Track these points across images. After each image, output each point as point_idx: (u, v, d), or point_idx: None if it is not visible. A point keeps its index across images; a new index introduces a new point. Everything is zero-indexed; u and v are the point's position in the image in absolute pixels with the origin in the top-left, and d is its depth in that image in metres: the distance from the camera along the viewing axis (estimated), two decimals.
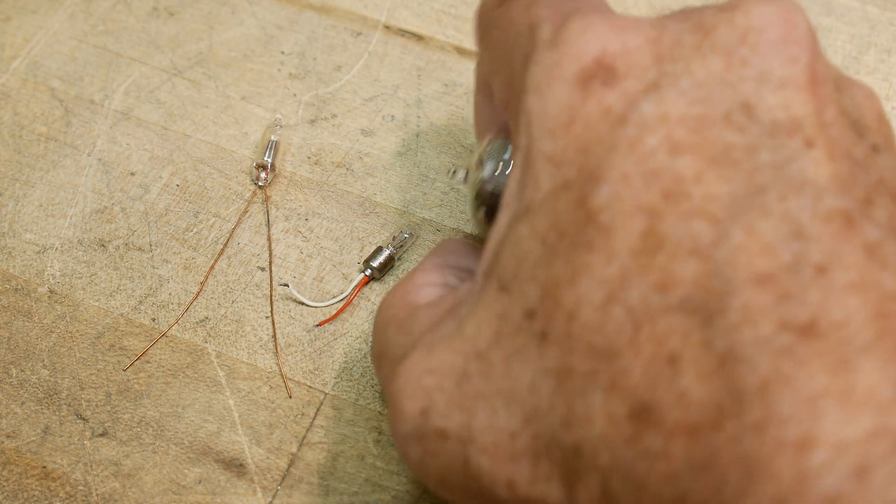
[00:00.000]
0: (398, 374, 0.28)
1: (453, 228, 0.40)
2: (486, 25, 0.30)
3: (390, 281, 0.39)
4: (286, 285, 0.39)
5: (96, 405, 0.36)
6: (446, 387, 0.26)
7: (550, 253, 0.25)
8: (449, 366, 0.27)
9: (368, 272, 0.39)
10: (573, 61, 0.25)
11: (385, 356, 0.31)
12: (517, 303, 0.25)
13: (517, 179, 0.27)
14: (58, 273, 0.39)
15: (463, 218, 0.41)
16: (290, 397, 0.36)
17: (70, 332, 0.38)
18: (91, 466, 0.35)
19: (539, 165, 0.26)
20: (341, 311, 0.38)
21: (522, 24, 0.27)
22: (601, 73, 0.25)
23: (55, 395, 0.36)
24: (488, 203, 0.36)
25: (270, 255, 0.40)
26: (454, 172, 0.38)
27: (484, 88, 0.33)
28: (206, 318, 0.38)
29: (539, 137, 0.26)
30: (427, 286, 0.31)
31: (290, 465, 0.35)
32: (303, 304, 0.38)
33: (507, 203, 0.28)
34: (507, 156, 0.36)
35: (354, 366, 0.37)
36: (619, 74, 0.25)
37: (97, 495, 0.34)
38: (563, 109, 0.25)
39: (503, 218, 0.28)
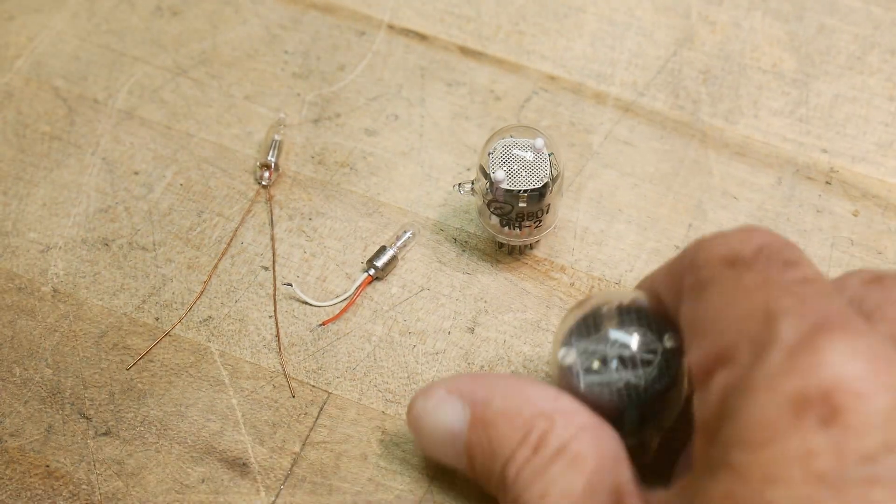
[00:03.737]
0: None
1: (457, 227, 0.40)
2: (702, 269, 0.28)
3: (393, 280, 0.39)
4: (289, 284, 0.39)
5: (99, 404, 0.36)
6: None
7: None
8: None
9: (372, 272, 0.39)
10: (799, 379, 0.23)
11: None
12: None
13: (702, 441, 0.25)
14: (61, 272, 0.39)
15: (466, 218, 0.41)
16: (294, 397, 0.36)
17: (73, 331, 0.38)
18: (94, 465, 0.35)
19: (722, 469, 0.24)
20: (345, 310, 0.38)
21: (757, 302, 0.25)
22: (823, 408, 0.23)
23: (58, 394, 0.36)
24: (497, 211, 0.36)
25: (274, 254, 0.40)
26: (459, 185, 0.38)
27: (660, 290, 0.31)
28: (210, 317, 0.38)
29: (731, 440, 0.24)
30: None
31: (293, 465, 0.35)
32: (306, 303, 0.38)
33: (693, 470, 0.26)
34: (515, 166, 0.36)
35: (358, 365, 0.37)
36: (841, 420, 0.23)
37: (100, 494, 0.34)
38: (763, 425, 0.23)
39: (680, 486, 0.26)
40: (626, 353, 0.30)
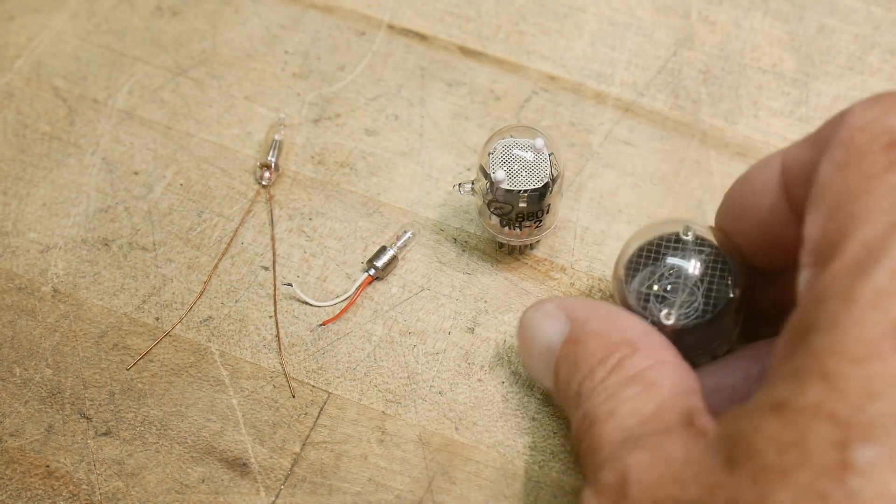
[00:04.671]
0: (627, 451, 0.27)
1: (457, 228, 0.40)
2: (858, 132, 0.26)
3: (393, 280, 0.39)
4: (289, 285, 0.39)
5: (100, 404, 0.36)
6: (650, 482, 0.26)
7: (781, 471, 0.23)
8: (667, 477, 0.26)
9: (372, 272, 0.39)
10: None
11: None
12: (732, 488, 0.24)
13: (782, 355, 0.25)
14: (61, 272, 0.39)
15: (466, 218, 0.41)
16: (294, 397, 0.36)
17: (73, 332, 0.38)
18: (94, 465, 0.35)
19: (812, 379, 0.23)
20: (345, 310, 0.38)
21: (891, 203, 0.24)
22: None
23: (58, 395, 0.36)
24: (497, 211, 0.36)
25: (274, 254, 0.40)
26: (459, 185, 0.38)
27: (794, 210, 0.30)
28: (210, 317, 0.38)
29: (826, 349, 0.23)
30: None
31: (293, 465, 0.35)
32: (306, 303, 0.38)
33: (769, 380, 0.26)
34: (515, 166, 0.36)
35: (358, 365, 0.37)
36: None
37: (100, 494, 0.34)
38: (865, 342, 0.23)
39: (756, 401, 0.26)
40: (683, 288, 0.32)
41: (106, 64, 0.45)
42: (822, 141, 0.28)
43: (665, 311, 0.31)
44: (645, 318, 0.31)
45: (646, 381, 0.28)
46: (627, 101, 0.44)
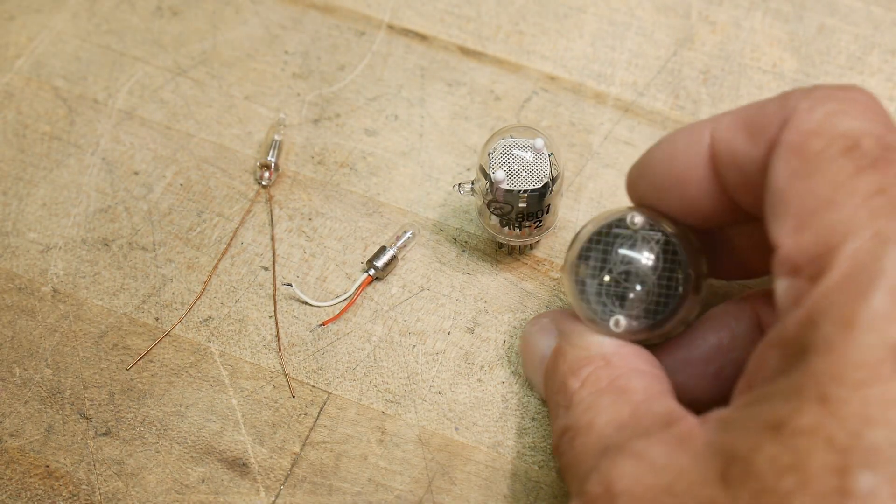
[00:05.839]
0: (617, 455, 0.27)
1: (457, 228, 0.40)
2: (812, 138, 0.26)
3: (393, 280, 0.39)
4: (289, 285, 0.39)
5: (99, 404, 0.36)
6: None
7: (781, 495, 0.22)
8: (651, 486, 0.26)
9: (372, 272, 0.39)
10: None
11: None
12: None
13: (775, 369, 0.25)
14: (61, 272, 0.39)
15: (466, 218, 0.41)
16: (294, 397, 0.36)
17: (73, 332, 0.38)
18: (94, 465, 0.35)
19: (810, 401, 0.23)
20: (345, 310, 0.38)
21: (872, 216, 0.24)
22: None
23: (58, 395, 0.36)
24: (497, 211, 0.36)
25: (274, 254, 0.40)
26: (459, 185, 0.38)
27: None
28: (210, 317, 0.38)
29: (824, 372, 0.23)
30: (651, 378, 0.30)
31: (293, 465, 0.35)
32: (306, 303, 0.38)
33: (749, 381, 0.26)
34: (515, 166, 0.36)
35: (358, 365, 0.37)
36: None
37: (100, 494, 0.34)
38: (864, 366, 0.23)
39: (741, 397, 0.26)
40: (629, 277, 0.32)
41: (106, 64, 0.45)
42: (761, 134, 0.28)
43: (615, 319, 0.31)
44: (595, 319, 0.31)
45: (618, 389, 0.29)
46: (627, 101, 0.44)
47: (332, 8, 0.46)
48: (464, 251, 0.40)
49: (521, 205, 0.36)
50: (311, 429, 0.36)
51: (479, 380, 0.37)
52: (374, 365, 0.37)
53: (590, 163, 0.42)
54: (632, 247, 0.31)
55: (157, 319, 0.38)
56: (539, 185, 0.36)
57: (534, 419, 0.36)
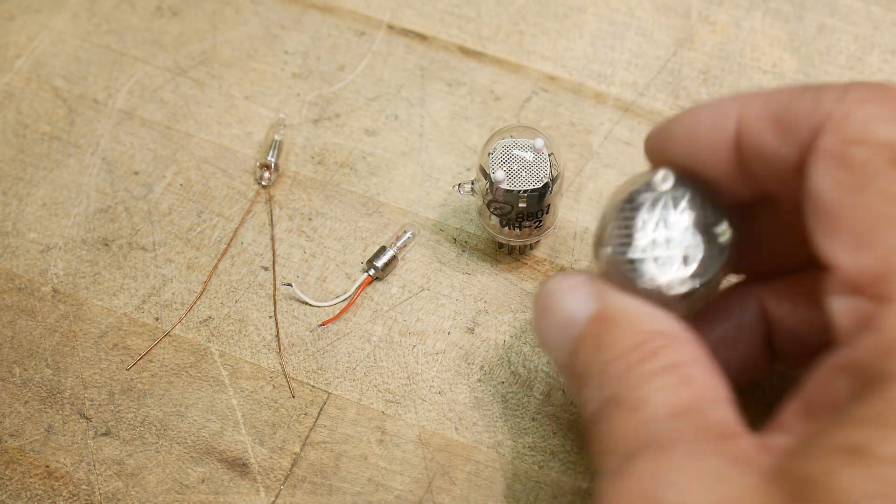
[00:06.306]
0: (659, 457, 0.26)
1: (457, 228, 0.40)
2: (854, 146, 0.26)
3: (393, 280, 0.39)
4: (289, 285, 0.39)
5: (99, 404, 0.36)
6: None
7: None
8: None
9: (372, 272, 0.39)
10: None
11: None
12: None
13: (846, 395, 0.24)
14: (61, 272, 0.39)
15: (466, 218, 0.41)
16: (294, 397, 0.36)
17: (73, 332, 0.38)
18: (94, 465, 0.35)
19: (893, 422, 0.22)
20: (345, 310, 0.38)
21: None
22: None
23: (58, 395, 0.36)
24: (497, 211, 0.36)
25: (274, 254, 0.40)
26: (459, 185, 0.38)
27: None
28: (210, 317, 0.38)
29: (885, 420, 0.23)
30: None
31: (293, 465, 0.35)
32: (306, 303, 0.38)
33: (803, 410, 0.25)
34: (515, 166, 0.36)
35: (358, 365, 0.37)
36: None
37: (100, 494, 0.34)
38: None
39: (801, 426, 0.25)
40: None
41: (106, 64, 0.45)
42: (793, 133, 0.27)
43: (667, 281, 0.29)
44: (638, 281, 0.29)
45: (680, 375, 0.27)
46: (627, 101, 0.44)
47: (332, 8, 0.46)
48: (464, 251, 0.40)
49: (521, 205, 0.36)
50: (311, 429, 0.36)
51: (479, 380, 0.37)
52: (374, 365, 0.37)
53: (590, 163, 0.42)
54: (667, 205, 0.30)
55: (157, 319, 0.38)
56: (539, 185, 0.36)
57: (534, 419, 0.36)
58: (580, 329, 0.30)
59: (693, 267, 0.29)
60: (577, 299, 0.30)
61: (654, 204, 0.30)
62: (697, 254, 0.29)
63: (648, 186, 0.30)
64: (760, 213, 0.32)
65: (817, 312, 0.28)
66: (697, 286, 0.29)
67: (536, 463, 0.35)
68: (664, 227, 0.30)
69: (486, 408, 0.36)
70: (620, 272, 0.30)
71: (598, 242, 0.30)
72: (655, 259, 0.29)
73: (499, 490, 0.35)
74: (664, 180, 0.30)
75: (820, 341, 0.28)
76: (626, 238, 0.30)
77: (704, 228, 0.29)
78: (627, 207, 0.30)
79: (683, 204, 0.30)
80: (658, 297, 0.29)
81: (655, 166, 0.31)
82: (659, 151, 0.31)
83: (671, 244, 0.29)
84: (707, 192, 0.30)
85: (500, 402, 0.36)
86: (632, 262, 0.29)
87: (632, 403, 0.27)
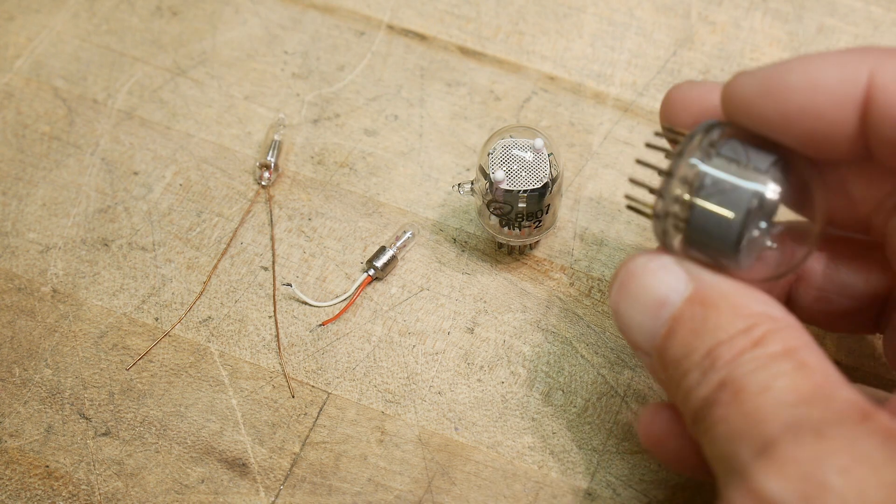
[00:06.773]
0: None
1: (456, 228, 0.40)
2: None
3: (392, 280, 0.39)
4: (289, 285, 0.39)
5: (99, 404, 0.36)
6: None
7: None
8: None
9: (371, 272, 0.39)
10: None
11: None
12: None
13: None
14: (61, 272, 0.39)
15: (466, 218, 0.41)
16: (293, 397, 0.36)
17: (73, 332, 0.38)
18: (94, 466, 0.35)
19: None
20: (344, 310, 0.38)
21: None
22: None
23: (58, 395, 0.36)
24: (497, 211, 0.36)
25: (273, 254, 0.40)
26: (459, 185, 0.38)
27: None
28: (209, 317, 0.38)
29: None
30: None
31: (292, 465, 0.35)
32: (306, 303, 0.38)
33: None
34: (515, 166, 0.36)
35: (357, 365, 0.37)
36: None
37: (100, 494, 0.34)
38: None
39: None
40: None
41: (106, 64, 0.45)
42: None
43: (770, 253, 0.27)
44: (733, 257, 0.28)
45: (797, 361, 0.26)
46: (627, 101, 0.44)
47: (331, 8, 0.46)
48: (463, 251, 0.40)
49: (520, 205, 0.36)
50: (311, 429, 0.36)
51: (479, 380, 0.37)
52: (373, 365, 0.37)
53: (589, 163, 0.42)
54: (759, 170, 0.27)
55: (156, 319, 0.38)
56: (539, 185, 0.36)
57: (534, 419, 0.36)
58: (673, 311, 0.28)
59: (789, 238, 0.27)
60: (667, 279, 0.29)
61: (746, 166, 0.27)
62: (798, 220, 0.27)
63: (726, 149, 0.28)
64: (852, 172, 0.30)
65: (852, 276, 0.27)
66: (800, 257, 0.27)
67: (536, 463, 0.35)
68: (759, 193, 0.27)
69: (486, 408, 0.36)
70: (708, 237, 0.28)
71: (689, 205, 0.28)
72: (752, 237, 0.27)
73: (498, 490, 0.35)
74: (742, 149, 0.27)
75: (845, 306, 0.27)
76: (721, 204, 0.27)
77: (799, 192, 0.28)
78: (714, 180, 0.27)
79: (777, 167, 0.27)
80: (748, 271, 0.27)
81: (727, 114, 0.29)
82: (761, 99, 0.28)
83: (765, 213, 0.27)
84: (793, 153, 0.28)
85: (500, 402, 0.36)
86: (715, 230, 0.27)
87: (755, 388, 0.26)
